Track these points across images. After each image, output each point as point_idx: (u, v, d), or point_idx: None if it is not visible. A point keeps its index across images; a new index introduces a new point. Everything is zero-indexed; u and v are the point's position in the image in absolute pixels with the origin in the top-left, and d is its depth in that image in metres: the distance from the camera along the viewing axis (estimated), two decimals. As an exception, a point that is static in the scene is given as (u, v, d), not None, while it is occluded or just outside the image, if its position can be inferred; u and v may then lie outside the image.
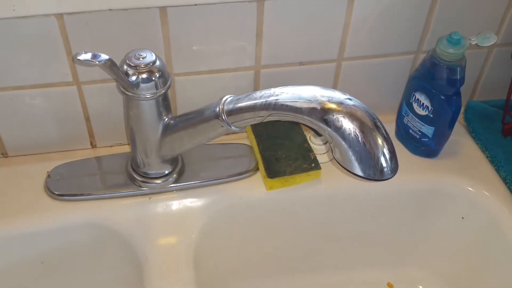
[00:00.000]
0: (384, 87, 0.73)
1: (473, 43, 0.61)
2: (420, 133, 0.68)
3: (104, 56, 0.47)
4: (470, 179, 0.67)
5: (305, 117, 0.46)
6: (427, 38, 0.69)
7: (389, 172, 0.46)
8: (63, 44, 0.59)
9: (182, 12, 0.59)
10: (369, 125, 0.45)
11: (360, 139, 0.44)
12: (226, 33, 0.62)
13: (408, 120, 0.69)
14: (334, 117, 0.44)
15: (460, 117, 0.74)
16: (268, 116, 0.48)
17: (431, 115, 0.65)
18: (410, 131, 0.69)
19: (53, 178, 0.64)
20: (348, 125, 0.44)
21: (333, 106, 0.45)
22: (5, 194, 0.63)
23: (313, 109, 0.45)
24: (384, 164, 0.45)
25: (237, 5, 0.60)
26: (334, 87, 0.71)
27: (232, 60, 0.65)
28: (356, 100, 0.46)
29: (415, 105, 0.67)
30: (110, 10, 0.57)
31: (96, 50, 0.58)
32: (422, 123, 0.67)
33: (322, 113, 0.45)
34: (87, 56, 0.46)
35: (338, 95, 0.46)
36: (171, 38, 0.61)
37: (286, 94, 0.47)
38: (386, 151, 0.45)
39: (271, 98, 0.48)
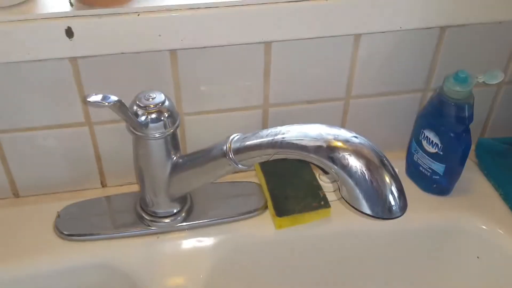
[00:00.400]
0: (392, 125, 0.73)
1: (480, 81, 0.61)
2: (430, 171, 0.67)
3: (114, 98, 0.48)
4: (484, 217, 0.66)
5: (311, 155, 0.46)
6: (434, 75, 0.69)
7: (398, 210, 0.45)
8: (76, 86, 0.60)
9: (192, 54, 0.60)
10: (376, 163, 0.45)
11: (367, 177, 0.44)
12: (234, 73, 0.63)
13: (418, 158, 0.68)
14: (340, 155, 0.44)
15: (472, 154, 0.74)
16: (275, 154, 0.48)
17: (441, 153, 0.65)
18: (421, 168, 0.68)
19: (62, 218, 0.64)
20: (354, 163, 0.44)
21: (339, 144, 0.45)
22: (14, 234, 0.63)
23: (319, 147, 0.45)
24: (392, 203, 0.45)
25: (245, 46, 0.61)
26: (343, 125, 0.71)
27: (241, 99, 0.66)
28: (362, 137, 0.46)
29: (424, 143, 0.66)
30: (123, 53, 0.58)
31: (108, 91, 0.59)
32: (433, 161, 0.66)
33: (328, 151, 0.45)
34: (97, 98, 0.47)
35: (344, 133, 0.46)
36: (180, 79, 0.62)
37: (292, 132, 0.47)
38: (394, 188, 0.45)
39: (277, 137, 0.48)
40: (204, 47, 0.59)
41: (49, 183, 0.68)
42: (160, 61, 0.60)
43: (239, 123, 0.68)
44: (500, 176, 0.70)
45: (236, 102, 0.66)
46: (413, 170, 0.70)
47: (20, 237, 0.63)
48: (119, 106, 0.48)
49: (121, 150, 0.66)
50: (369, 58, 0.65)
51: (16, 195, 0.69)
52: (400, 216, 0.45)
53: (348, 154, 0.44)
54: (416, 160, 0.69)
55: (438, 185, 0.68)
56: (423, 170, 0.68)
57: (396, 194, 0.45)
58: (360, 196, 0.45)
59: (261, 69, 0.64)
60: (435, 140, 0.65)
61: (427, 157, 0.67)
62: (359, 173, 0.44)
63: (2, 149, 0.64)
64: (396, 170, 0.69)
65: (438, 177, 0.67)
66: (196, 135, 0.68)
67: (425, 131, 0.66)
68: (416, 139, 0.68)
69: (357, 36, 0.63)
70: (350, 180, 0.45)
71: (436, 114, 0.64)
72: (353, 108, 0.70)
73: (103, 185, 0.71)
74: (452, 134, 0.63)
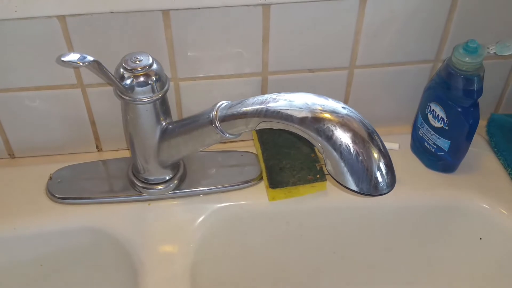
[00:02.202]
0: (399, 97, 0.70)
1: (492, 52, 0.57)
2: (435, 147, 0.64)
3: (90, 58, 0.46)
4: (488, 196, 0.63)
5: (295, 125, 0.43)
6: (446, 46, 0.65)
7: (385, 187, 0.43)
8: (66, 46, 0.58)
9: (186, 16, 0.58)
10: (363, 137, 0.42)
11: (352, 151, 0.42)
12: (231, 38, 0.61)
13: (423, 133, 0.65)
14: (325, 127, 0.42)
15: (483, 131, 0.71)
16: (260, 123, 0.46)
17: (447, 128, 0.61)
18: (426, 144, 0.65)
19: (54, 181, 0.63)
20: (340, 135, 0.42)
21: (325, 115, 0.42)
22: (7, 194, 0.63)
23: (304, 117, 0.43)
24: (379, 179, 0.42)
25: (242, 9, 0.58)
26: (346, 95, 0.68)
27: (238, 65, 0.63)
28: (351, 109, 0.43)
29: (430, 117, 0.63)
30: (112, 12, 0.56)
31: (99, 53, 0.58)
32: (438, 136, 0.63)
33: (314, 122, 0.42)
34: (72, 57, 0.45)
35: (331, 103, 0.43)
36: (174, 42, 0.60)
37: (279, 101, 0.45)
38: (382, 165, 0.42)
39: (263, 105, 0.45)
40: (198, 8, 0.57)
41: (44, 145, 0.68)
42: (152, 22, 0.58)
43: (237, 90, 0.66)
44: (510, 154, 0.66)
45: (233, 68, 0.63)
46: (418, 145, 0.67)
47: (11, 198, 0.62)
48: (97, 67, 0.46)
49: (115, 114, 0.65)
50: (376, 24, 0.62)
51: (12, 155, 0.68)
52: (387, 193, 0.43)
53: (334, 125, 0.42)
54: (421, 135, 0.66)
55: (443, 162, 0.65)
56: (428, 146, 0.65)
57: (384, 171, 0.42)
58: (345, 170, 0.42)
59: (259, 34, 0.61)
60: (441, 114, 0.61)
61: (432, 132, 0.63)
62: (344, 146, 0.42)
63: (-6, 109, 0.63)
64: (397, 145, 0.68)
65: (442, 153, 0.63)
66: (192, 101, 0.66)
67: (431, 105, 0.62)
68: (422, 113, 0.65)
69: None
70: (334, 153, 0.42)
71: (443, 86, 0.60)
72: (358, 79, 0.67)
73: (99, 149, 0.70)
74: (459, 109, 0.60)
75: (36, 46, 0.58)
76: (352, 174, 0.42)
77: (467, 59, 0.57)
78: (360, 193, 0.43)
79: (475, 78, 0.58)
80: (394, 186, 0.43)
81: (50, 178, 0.64)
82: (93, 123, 0.66)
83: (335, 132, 0.42)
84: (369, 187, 0.42)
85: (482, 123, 0.68)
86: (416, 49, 0.65)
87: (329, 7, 0.59)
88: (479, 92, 0.59)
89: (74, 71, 0.61)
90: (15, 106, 0.63)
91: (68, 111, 0.64)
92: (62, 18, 0.56)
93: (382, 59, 0.65)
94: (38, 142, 0.67)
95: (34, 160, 0.68)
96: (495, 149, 0.68)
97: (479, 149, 0.68)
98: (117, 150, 0.70)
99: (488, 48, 0.57)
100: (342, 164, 0.42)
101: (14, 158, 0.68)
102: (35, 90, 0.62)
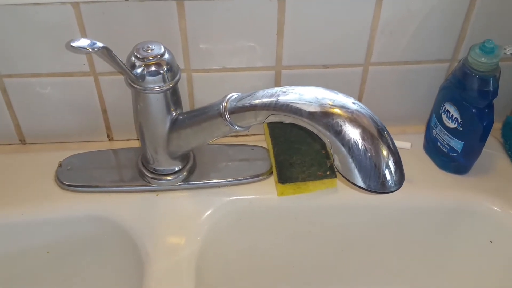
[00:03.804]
0: (414, 96, 0.69)
1: (508, 53, 0.56)
2: (448, 147, 0.63)
3: (99, 44, 0.46)
4: (500, 199, 0.62)
5: (304, 119, 0.43)
6: (463, 46, 0.64)
7: (392, 185, 0.42)
8: (79, 33, 0.58)
9: (200, 6, 0.57)
10: (373, 133, 0.41)
11: (361, 147, 0.41)
12: (245, 31, 0.60)
13: (436, 133, 0.64)
14: (334, 121, 0.41)
15: (498, 133, 0.69)
16: (269, 116, 0.45)
17: (461, 128, 0.60)
18: (439, 144, 0.64)
19: (64, 168, 0.64)
20: (349, 131, 0.41)
21: (334, 109, 0.42)
22: (16, 180, 0.63)
23: (313, 111, 0.42)
24: (388, 177, 0.42)
25: (257, 1, 0.57)
26: (360, 92, 0.68)
27: (252, 59, 0.63)
28: (362, 105, 0.43)
29: (444, 117, 0.62)
30: (126, 0, 0.56)
31: (112, 41, 0.58)
32: (451, 137, 0.62)
33: (322, 116, 0.42)
34: (83, 43, 0.45)
35: (342, 98, 0.42)
36: (188, 33, 0.60)
37: (289, 94, 0.44)
38: (390, 162, 0.41)
39: (272, 98, 0.45)
40: (213, -1, 0.57)
41: (55, 133, 0.68)
42: (166, 12, 0.58)
43: (250, 84, 0.65)
44: (525, 158, 0.65)
45: (246, 62, 0.63)
46: (431, 146, 0.66)
47: (20, 184, 0.63)
48: (107, 53, 0.46)
49: (127, 103, 0.65)
50: (392, 22, 0.61)
51: (23, 141, 0.69)
52: (395, 191, 0.42)
53: (343, 121, 0.41)
54: (434, 135, 0.65)
55: (455, 163, 0.63)
56: (441, 146, 0.64)
57: (392, 168, 0.41)
58: (353, 166, 0.42)
59: (274, 27, 0.60)
60: (455, 114, 0.60)
61: (446, 132, 0.62)
62: (353, 142, 0.41)
63: (7, 94, 0.63)
64: (409, 144, 0.67)
65: (455, 154, 0.62)
66: (204, 93, 0.65)
67: (445, 105, 0.61)
68: (436, 113, 0.64)
69: (380, -5, 0.58)
70: (343, 149, 0.41)
71: (458, 86, 0.59)
72: (372, 76, 0.66)
73: (110, 138, 0.70)
74: (473, 110, 0.58)
75: (49, 32, 0.58)
76: (360, 171, 0.42)
77: (483, 59, 0.56)
78: (368, 190, 0.42)
79: (491, 78, 0.57)
80: (402, 184, 0.42)
81: (60, 165, 0.64)
82: (104, 111, 0.66)
83: (344, 127, 0.41)
84: (376, 184, 0.42)
85: (497, 125, 0.67)
86: (433, 48, 0.64)
87: (346, 3, 0.58)
88: (495, 93, 0.57)
89: (87, 59, 0.61)
90: (27, 92, 0.63)
91: (80, 99, 0.64)
92: (76, 4, 0.56)
93: (397, 57, 0.64)
94: (49, 129, 0.67)
95: (45, 147, 0.69)
96: (509, 152, 0.67)
97: (493, 151, 0.67)
98: (127, 140, 0.70)
99: (505, 49, 0.56)
100: (350, 160, 0.42)
101: (25, 144, 0.69)
102: (47, 77, 0.62)
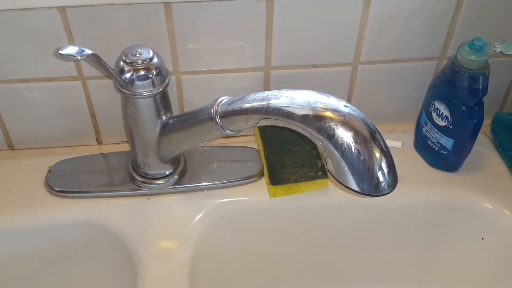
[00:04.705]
0: (404, 95, 0.69)
1: (497, 50, 0.56)
2: (439, 145, 0.63)
3: (88, 51, 0.45)
4: (490, 196, 0.62)
5: (296, 123, 0.42)
6: (451, 44, 0.64)
7: (386, 188, 0.42)
8: (66, 38, 0.58)
9: (188, 9, 0.57)
10: (365, 136, 0.41)
11: (353, 150, 0.41)
12: (234, 32, 0.60)
13: (426, 131, 0.64)
14: (327, 125, 0.41)
15: (487, 130, 0.70)
16: (261, 120, 0.45)
17: (451, 126, 0.60)
18: (429, 142, 0.64)
19: (53, 174, 0.63)
20: (341, 134, 0.41)
21: (326, 113, 0.42)
22: (5, 187, 0.62)
23: (305, 115, 0.42)
24: (381, 179, 0.42)
25: (245, 2, 0.57)
26: (350, 92, 0.68)
27: (241, 60, 0.62)
28: (354, 108, 0.43)
29: (434, 115, 0.62)
30: (113, 4, 0.55)
31: (100, 45, 0.58)
32: (441, 135, 0.62)
33: (315, 120, 0.42)
34: (71, 50, 0.44)
35: (333, 101, 0.42)
36: (176, 36, 0.59)
37: (280, 98, 0.44)
38: (383, 164, 0.41)
39: (263, 102, 0.45)
40: (201, 1, 0.56)
41: (44, 138, 0.67)
42: (154, 15, 0.57)
43: (239, 85, 0.65)
44: (514, 154, 0.65)
45: (235, 63, 0.63)
46: (421, 144, 0.66)
47: (10, 190, 0.62)
48: (96, 60, 0.46)
49: (115, 107, 0.64)
50: (381, 20, 0.61)
51: (11, 147, 0.68)
52: (388, 193, 0.42)
53: (335, 124, 0.41)
54: (424, 133, 0.65)
55: (446, 161, 0.64)
56: (431, 144, 0.64)
57: (385, 171, 0.41)
58: (346, 170, 0.42)
59: (262, 28, 0.60)
60: (445, 112, 0.60)
61: (436, 130, 0.62)
62: (346, 145, 0.41)
63: (-7, 100, 0.62)
64: (400, 143, 0.67)
65: (446, 152, 0.63)
66: (194, 95, 0.65)
67: (435, 103, 0.62)
68: (426, 111, 0.64)
69: (368, -6, 0.58)
70: (336, 152, 0.41)
71: (447, 84, 0.59)
72: (362, 75, 0.66)
73: (99, 142, 0.69)
74: (463, 107, 0.59)
75: (36, 37, 0.57)
76: (353, 174, 0.42)
77: (473, 57, 0.56)
78: (361, 193, 0.42)
79: (480, 76, 0.57)
80: (395, 187, 0.43)
81: (49, 171, 0.63)
82: (93, 115, 0.66)
83: (336, 131, 0.41)
84: (370, 187, 0.42)
85: (487, 122, 0.67)
86: (421, 46, 0.64)
87: (334, 2, 0.58)
88: (484, 90, 0.58)
89: (75, 63, 0.60)
90: (14, 97, 0.62)
91: (68, 104, 0.64)
92: (62, 9, 0.55)
93: (386, 55, 0.64)
94: (38, 134, 0.67)
95: (34, 152, 0.68)
96: (499, 149, 0.67)
97: (483, 148, 0.67)
98: (117, 144, 0.69)
99: (494, 46, 0.56)
100: (343, 164, 0.42)
101: (13, 150, 0.68)
102: (34, 82, 0.61)
